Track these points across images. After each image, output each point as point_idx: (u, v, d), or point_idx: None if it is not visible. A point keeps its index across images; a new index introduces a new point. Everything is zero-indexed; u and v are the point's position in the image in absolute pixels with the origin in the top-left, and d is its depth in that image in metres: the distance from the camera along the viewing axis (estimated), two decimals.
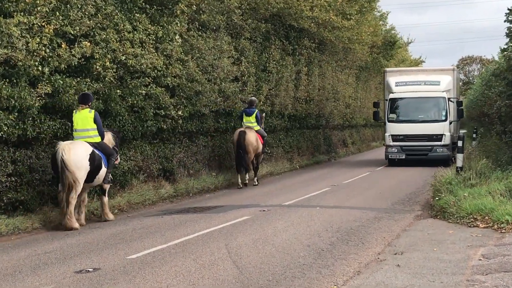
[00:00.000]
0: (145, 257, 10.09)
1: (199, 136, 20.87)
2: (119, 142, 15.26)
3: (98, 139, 13.61)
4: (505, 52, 18.89)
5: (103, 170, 13.65)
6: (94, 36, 14.94)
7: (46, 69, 13.41)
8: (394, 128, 28.02)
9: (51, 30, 13.33)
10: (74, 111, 13.67)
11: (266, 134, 22.61)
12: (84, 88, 14.38)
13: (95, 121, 13.50)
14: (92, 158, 13.17)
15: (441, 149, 27.27)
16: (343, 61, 37.73)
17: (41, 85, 13.35)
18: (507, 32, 18.18)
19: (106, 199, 14.30)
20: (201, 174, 20.28)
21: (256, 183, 21.45)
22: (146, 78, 16.66)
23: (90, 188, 14.24)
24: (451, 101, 27.89)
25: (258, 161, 22.01)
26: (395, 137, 27.92)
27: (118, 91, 15.84)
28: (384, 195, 17.91)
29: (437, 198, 14.79)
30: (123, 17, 16.09)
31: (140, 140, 17.49)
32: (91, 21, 14.66)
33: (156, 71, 17.06)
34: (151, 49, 16.86)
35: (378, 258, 9.91)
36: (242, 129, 20.90)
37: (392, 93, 28.82)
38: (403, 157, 27.84)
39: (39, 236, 12.46)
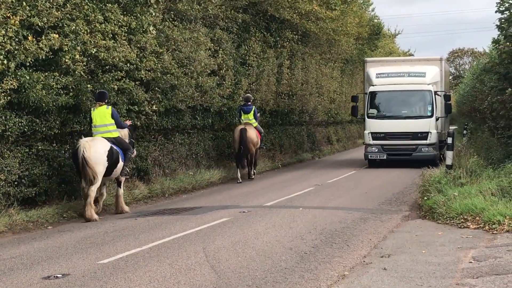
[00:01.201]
0: (118, 262, 10.05)
1: (175, 134, 20.83)
2: (135, 136, 17.01)
3: (116, 133, 15.11)
4: (497, 45, 18.99)
5: (120, 164, 15.11)
6: (63, 28, 14.84)
7: (12, 64, 13.31)
8: (374, 125, 26.70)
9: (17, 22, 13.23)
10: (91, 108, 15.09)
11: (262, 130, 24.39)
12: (52, 82, 14.31)
13: (112, 117, 14.98)
14: (110, 154, 14.58)
15: (427, 149, 26.04)
16: (328, 54, 37.84)
17: (6, 80, 13.24)
18: (499, 23, 18.27)
19: (121, 191, 15.68)
20: (178, 173, 20.25)
21: (253, 176, 23.44)
22: (119, 72, 16.59)
23: (108, 181, 15.64)
24: (438, 94, 26.67)
25: (256, 156, 23.67)
26: (375, 135, 26.59)
27: (89, 85, 15.76)
28: (370, 195, 17.98)
29: (425, 198, 14.87)
30: (94, 7, 16.00)
31: None
32: (60, 12, 14.56)
33: (129, 64, 16.99)
34: (124, 41, 16.78)
35: (364, 261, 9.94)
36: (242, 126, 22.46)
37: (372, 85, 27.31)
38: (384, 157, 26.55)
39: (4, 240, 12.38)
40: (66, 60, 14.73)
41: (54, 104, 14.54)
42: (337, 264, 9.76)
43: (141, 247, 11.12)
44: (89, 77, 16.07)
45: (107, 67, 16.49)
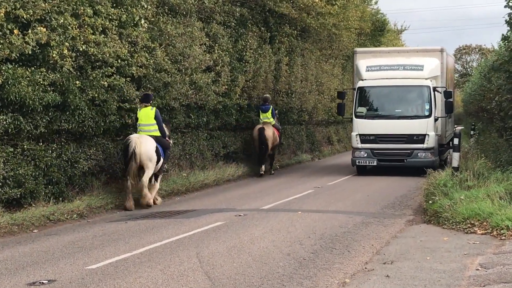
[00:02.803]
0: (107, 268, 10.03)
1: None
2: (170, 132, 18.65)
3: (157, 133, 17.00)
4: (506, 42, 19.00)
5: (161, 161, 17.03)
6: (50, 21, 14.80)
7: None
8: (363, 126, 24.52)
9: (1, 14, 13.20)
10: (138, 108, 17.15)
11: (280, 127, 27.12)
12: (39, 79, 14.28)
13: (155, 118, 16.91)
14: (157, 151, 16.59)
15: (424, 154, 23.89)
16: (328, 50, 37.83)
17: None
18: (508, 19, 18.27)
19: (157, 185, 17.41)
20: (170, 174, 20.21)
21: (273, 171, 26.00)
22: (109, 68, 16.56)
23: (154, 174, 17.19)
24: (437, 91, 24.57)
25: (274, 152, 26.20)
26: (364, 138, 24.38)
27: (78, 82, 15.73)
28: (372, 198, 17.98)
29: (430, 202, 14.88)
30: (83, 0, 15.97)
31: (102, 137, 17.38)
32: (47, 4, 14.52)
33: (119, 60, 16.96)
34: (114, 35, 16.75)
35: (366, 267, 9.94)
36: (260, 125, 25.09)
37: (362, 80, 25.16)
38: (374, 163, 24.40)
39: None
40: (54, 55, 14.69)
41: (41, 101, 14.50)
42: (338, 271, 9.75)
43: (131, 252, 11.10)
44: (78, 73, 16.03)
45: (97, 63, 16.46)
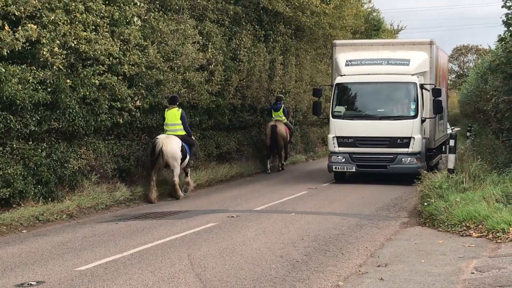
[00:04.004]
0: (96, 269, 10.01)
1: (160, 132, 20.71)
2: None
3: (183, 132, 18.64)
4: (503, 42, 19.02)
5: (187, 158, 18.75)
6: (41, 18, 14.77)
7: None
8: (340, 127, 22.25)
9: None
10: (166, 109, 18.78)
11: (292, 126, 28.65)
12: (29, 76, 14.24)
13: (181, 118, 18.56)
14: (182, 150, 18.24)
15: (408, 159, 21.67)
16: (323, 49, 37.80)
17: None
18: (505, 19, 18.29)
19: (189, 179, 19.51)
20: (162, 174, 20.16)
21: (282, 168, 27.61)
22: (100, 66, 16.53)
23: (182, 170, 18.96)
24: (425, 89, 22.48)
25: (286, 149, 28.01)
26: (342, 141, 22.19)
27: (69, 80, 15.69)
28: (367, 200, 17.99)
29: (425, 204, 14.88)
30: None
31: (92, 136, 17.35)
32: (38, 1, 14.48)
33: (111, 58, 16.93)
34: (106, 33, 16.72)
35: (359, 270, 9.93)
36: (273, 123, 26.68)
37: (341, 75, 22.87)
38: (353, 169, 22.23)
39: None
40: (44, 53, 14.66)
41: (31, 100, 14.46)
42: (331, 274, 9.75)
43: (121, 253, 11.08)
44: (69, 71, 15.99)
45: (88, 61, 16.42)
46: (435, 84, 23.07)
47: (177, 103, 18.87)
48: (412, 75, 22.15)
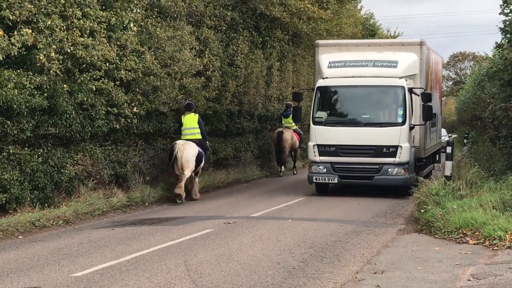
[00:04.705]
0: (92, 275, 10.00)
1: (157, 138, 20.76)
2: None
3: (199, 136, 19.63)
4: (500, 50, 19.07)
5: (203, 162, 19.98)
6: (37, 23, 14.77)
7: None
8: (322, 135, 20.53)
9: None
10: (182, 115, 19.79)
11: (302, 132, 29.42)
12: (25, 81, 14.25)
13: (198, 123, 19.60)
14: (198, 157, 19.28)
15: (395, 170, 19.90)
16: None
17: None
18: (503, 26, 18.35)
19: (196, 180, 20.15)
20: (159, 181, 20.19)
21: (295, 172, 29.13)
22: (97, 72, 16.53)
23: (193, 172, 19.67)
24: (414, 93, 20.75)
25: (295, 154, 29.36)
26: (323, 149, 20.46)
27: (65, 86, 15.69)
28: (364, 206, 18.00)
29: (422, 211, 14.88)
30: (71, 1, 15.93)
31: (89, 142, 17.34)
32: (33, 6, 14.49)
33: (108, 63, 16.93)
34: (103, 38, 16.73)
35: (356, 277, 9.94)
36: (280, 129, 28.15)
37: (323, 78, 21.09)
38: (335, 180, 20.44)
39: None
40: (41, 58, 14.66)
41: (27, 105, 14.46)
42: (327, 281, 9.75)
43: (118, 260, 11.08)
44: (65, 76, 15.99)
45: (84, 66, 16.43)
46: (424, 88, 21.24)
47: (193, 109, 20.02)
48: (400, 78, 20.37)
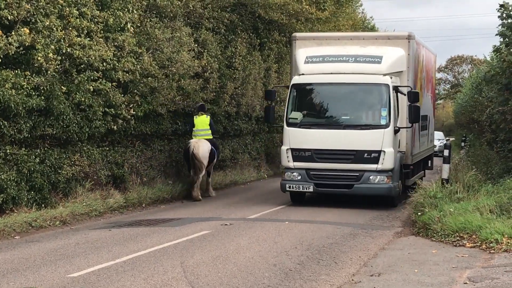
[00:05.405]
0: (89, 276, 10.00)
1: (155, 139, 20.75)
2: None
3: (211, 136, 20.66)
4: (498, 53, 19.09)
5: (215, 160, 20.99)
6: (35, 23, 14.76)
7: None
8: (296, 138, 18.42)
9: None
10: (194, 116, 20.66)
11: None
12: (23, 82, 14.24)
13: (209, 124, 20.63)
14: (211, 153, 20.27)
15: (378, 178, 17.80)
16: None
17: None
18: (500, 30, 18.37)
19: (210, 180, 21.46)
20: (156, 182, 20.16)
21: None
22: (95, 72, 16.52)
23: (206, 171, 20.66)
24: (400, 92, 18.61)
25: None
26: (297, 154, 18.36)
27: (63, 87, 15.68)
28: (361, 209, 17.98)
29: (419, 214, 14.90)
30: (69, 1, 15.93)
31: (86, 143, 17.32)
32: (31, 5, 14.48)
33: (105, 64, 16.92)
34: (100, 39, 16.73)
35: (353, 279, 9.94)
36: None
37: (299, 75, 19.04)
38: (310, 189, 18.28)
39: None
40: (39, 58, 14.65)
41: (24, 105, 14.45)
42: (324, 283, 9.75)
43: (114, 260, 11.07)
44: (63, 77, 15.98)
45: (82, 66, 16.42)
46: (412, 87, 18.89)
47: (205, 110, 20.97)
48: (385, 75, 18.27)
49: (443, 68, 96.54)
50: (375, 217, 16.57)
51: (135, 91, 18.56)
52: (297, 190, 18.51)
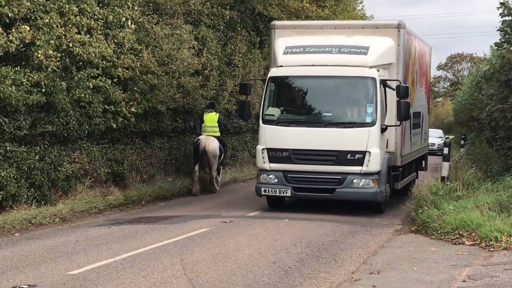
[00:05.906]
0: (88, 273, 10.00)
1: (154, 137, 20.76)
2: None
3: (219, 134, 21.17)
4: (499, 50, 19.07)
5: (222, 156, 21.43)
6: (35, 20, 14.76)
7: None
8: (273, 136, 16.70)
9: None
10: (204, 113, 21.26)
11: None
12: (23, 78, 14.24)
13: (218, 122, 21.10)
14: (220, 149, 20.84)
15: (362, 181, 16.20)
16: None
17: None
18: (501, 27, 18.36)
19: (219, 177, 21.99)
20: (156, 179, 20.16)
21: None
22: (95, 69, 16.52)
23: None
24: (388, 86, 16.87)
25: None
26: (274, 154, 16.64)
27: (63, 83, 15.68)
28: (361, 207, 17.96)
29: (419, 211, 14.89)
30: None
31: (86, 140, 17.32)
32: (31, 3, 14.47)
33: (105, 61, 16.91)
34: (100, 36, 16.72)
35: (352, 277, 9.94)
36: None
37: (277, 67, 17.27)
38: (288, 193, 16.63)
39: None
40: (39, 55, 14.64)
41: (24, 102, 14.44)
42: (324, 280, 9.75)
43: (114, 258, 11.07)
44: (63, 74, 15.97)
45: (81, 63, 16.42)
46: (400, 81, 16.97)
47: (215, 108, 21.57)
48: (371, 67, 16.51)
49: (442, 66, 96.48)
50: (375, 215, 16.56)
51: (135, 88, 18.55)
52: (274, 194, 16.89)
